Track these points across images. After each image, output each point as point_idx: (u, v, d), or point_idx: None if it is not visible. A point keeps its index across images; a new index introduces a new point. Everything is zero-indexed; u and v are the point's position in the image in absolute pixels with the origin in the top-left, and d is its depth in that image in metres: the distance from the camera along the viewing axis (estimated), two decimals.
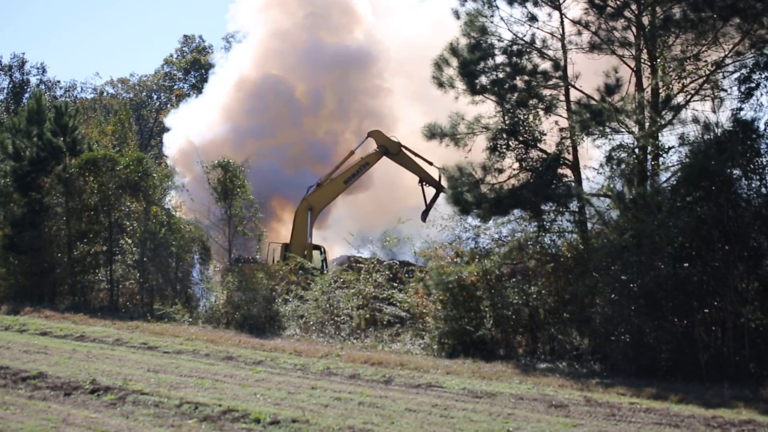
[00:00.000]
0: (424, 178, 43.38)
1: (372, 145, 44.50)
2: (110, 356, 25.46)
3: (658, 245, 23.08)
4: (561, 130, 27.57)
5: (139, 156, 42.78)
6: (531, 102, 27.68)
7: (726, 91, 25.98)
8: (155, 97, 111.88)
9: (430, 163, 42.71)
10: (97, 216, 42.18)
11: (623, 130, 26.05)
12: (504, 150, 27.65)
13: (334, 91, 60.10)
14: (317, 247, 44.96)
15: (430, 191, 43.49)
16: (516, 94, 27.57)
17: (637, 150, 26.09)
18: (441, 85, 28.38)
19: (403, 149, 43.54)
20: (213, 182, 38.16)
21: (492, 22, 27.84)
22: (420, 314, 29.29)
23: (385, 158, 43.95)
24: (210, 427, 15.79)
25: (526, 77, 27.56)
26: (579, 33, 27.35)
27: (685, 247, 23.55)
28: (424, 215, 41.95)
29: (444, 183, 40.78)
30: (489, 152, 27.67)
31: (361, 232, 46.29)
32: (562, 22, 27.73)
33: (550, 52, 27.70)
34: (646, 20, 26.45)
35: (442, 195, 27.86)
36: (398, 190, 53.44)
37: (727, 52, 25.69)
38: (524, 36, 27.70)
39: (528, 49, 27.58)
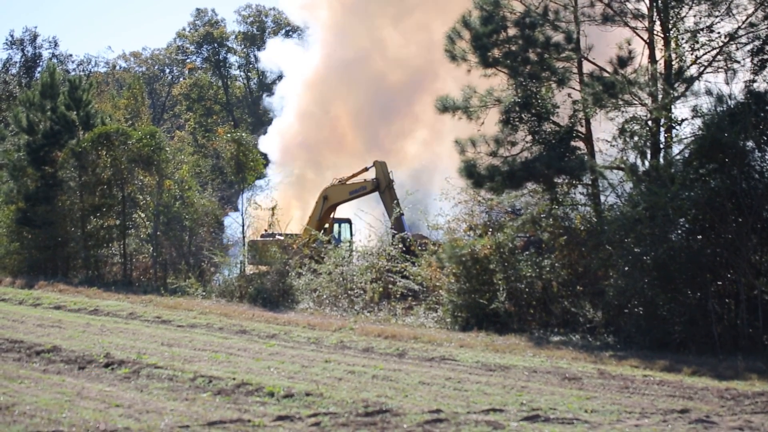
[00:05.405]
0: (393, 223, 39.73)
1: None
2: (124, 330, 25.60)
3: (671, 218, 23.02)
4: (574, 102, 27.44)
5: (151, 130, 42.90)
6: (544, 75, 27.53)
7: (739, 62, 25.84)
8: (168, 71, 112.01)
9: (401, 214, 40.13)
10: (110, 190, 42.42)
11: (636, 102, 25.99)
12: (517, 123, 27.48)
13: None
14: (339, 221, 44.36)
15: None
16: (529, 67, 27.40)
17: (650, 122, 26.01)
18: (453, 58, 28.22)
19: (392, 189, 41.47)
20: (226, 157, 38.26)
21: None
22: (433, 287, 29.31)
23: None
24: (224, 401, 15.82)
25: (538, 50, 27.36)
26: (592, 5, 27.15)
27: (699, 220, 23.48)
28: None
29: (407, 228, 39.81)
30: (502, 125, 27.56)
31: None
32: None
33: (563, 25, 27.48)
34: None
35: (455, 168, 27.48)
36: None
37: (740, 24, 25.58)
38: (537, 8, 27.50)
39: (541, 22, 27.36)
